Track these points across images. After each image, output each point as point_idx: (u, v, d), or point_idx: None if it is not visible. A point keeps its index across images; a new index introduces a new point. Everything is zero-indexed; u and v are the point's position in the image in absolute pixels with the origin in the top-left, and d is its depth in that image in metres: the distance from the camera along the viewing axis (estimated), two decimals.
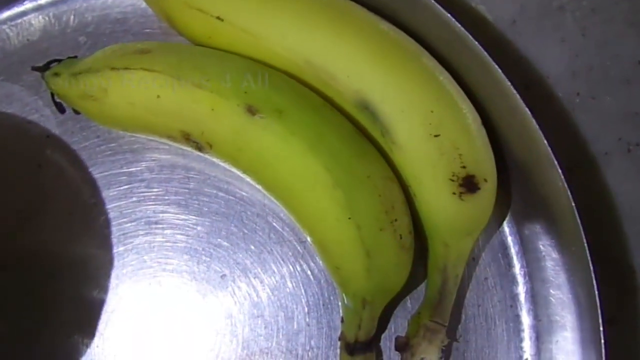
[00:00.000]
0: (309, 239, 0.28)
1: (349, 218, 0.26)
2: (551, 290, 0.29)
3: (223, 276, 0.30)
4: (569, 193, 0.27)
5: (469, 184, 0.27)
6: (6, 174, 0.31)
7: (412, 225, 0.27)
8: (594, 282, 0.26)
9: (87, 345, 0.29)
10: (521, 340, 0.29)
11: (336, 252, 0.27)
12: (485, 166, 0.27)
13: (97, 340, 0.30)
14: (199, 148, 0.28)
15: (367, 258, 0.26)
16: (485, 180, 0.27)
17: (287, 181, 0.26)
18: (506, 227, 0.30)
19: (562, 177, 0.27)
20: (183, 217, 0.31)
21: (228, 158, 0.28)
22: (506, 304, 0.30)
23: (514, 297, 0.30)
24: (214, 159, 0.29)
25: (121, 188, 0.31)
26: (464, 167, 0.26)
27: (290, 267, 0.30)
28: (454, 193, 0.27)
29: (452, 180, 0.27)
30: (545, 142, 0.27)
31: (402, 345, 0.27)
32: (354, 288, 0.27)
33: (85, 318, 0.30)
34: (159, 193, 0.31)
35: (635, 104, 0.32)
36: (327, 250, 0.27)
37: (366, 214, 0.26)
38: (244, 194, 0.31)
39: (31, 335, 0.29)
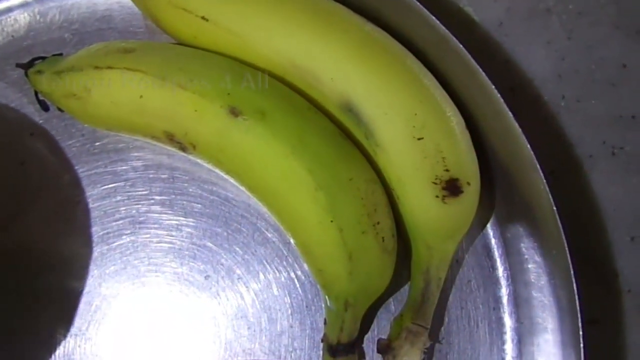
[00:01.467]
0: (292, 241, 0.28)
1: (331, 221, 0.26)
2: (533, 293, 0.29)
3: (207, 277, 0.30)
4: (551, 197, 0.27)
5: (452, 187, 0.27)
6: None
7: (395, 228, 0.27)
8: (574, 284, 0.27)
9: (69, 345, 0.29)
10: (503, 343, 0.29)
11: (319, 254, 0.27)
12: (468, 169, 0.27)
13: (79, 339, 0.29)
14: (183, 149, 0.28)
15: (350, 261, 0.26)
16: (469, 184, 0.27)
17: (269, 183, 0.26)
18: (489, 230, 0.30)
19: (545, 181, 0.27)
20: (167, 217, 0.30)
21: (211, 159, 0.28)
22: (489, 306, 0.30)
23: (497, 299, 0.30)
24: (199, 160, 0.29)
25: (105, 187, 0.31)
26: (447, 170, 0.26)
27: (274, 268, 0.30)
28: (437, 196, 0.27)
29: (435, 184, 0.27)
30: (529, 146, 0.27)
31: (384, 348, 0.27)
32: (336, 290, 0.27)
33: (67, 317, 0.30)
34: (144, 193, 0.31)
35: (621, 107, 0.32)
36: (309, 253, 0.27)
37: (348, 216, 0.26)
38: (228, 194, 0.31)
39: (13, 334, 0.29)
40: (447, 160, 0.26)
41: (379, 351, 0.28)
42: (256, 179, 0.27)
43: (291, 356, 0.29)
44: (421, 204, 0.27)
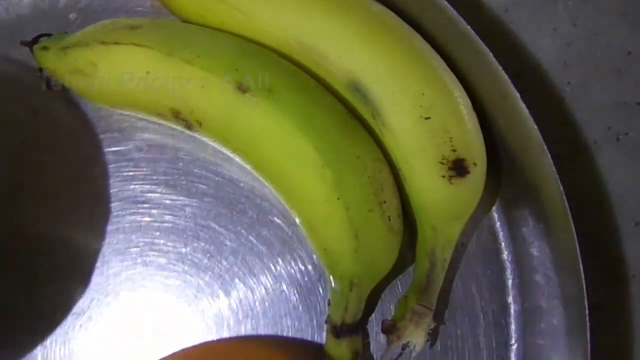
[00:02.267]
0: (297, 220, 0.28)
1: (338, 198, 0.25)
2: (538, 277, 0.29)
3: (210, 257, 0.30)
4: (559, 180, 0.27)
5: (458, 168, 0.27)
6: None
7: (401, 208, 0.27)
8: (581, 268, 0.27)
9: (71, 325, 0.29)
10: (507, 326, 0.29)
11: (324, 233, 0.26)
12: (475, 150, 0.27)
13: (80, 319, 0.29)
14: (188, 126, 0.28)
15: (355, 239, 0.26)
16: (475, 165, 0.27)
17: (276, 160, 0.26)
18: (495, 214, 0.30)
19: (552, 164, 0.27)
20: (171, 197, 0.30)
21: (217, 137, 0.27)
22: (493, 289, 0.30)
23: (501, 283, 0.30)
24: (204, 140, 0.29)
25: (109, 167, 0.30)
26: (454, 150, 0.26)
27: (278, 250, 0.30)
28: (443, 176, 0.27)
29: (442, 164, 0.26)
30: (537, 128, 0.27)
31: (389, 328, 0.27)
32: (341, 270, 0.27)
33: (68, 296, 0.29)
34: (147, 173, 0.30)
35: (625, 93, 0.32)
36: (315, 231, 0.27)
37: (355, 194, 0.26)
38: (233, 175, 0.30)
39: (13, 313, 0.29)
40: (454, 141, 0.26)
41: (383, 331, 0.27)
42: (263, 157, 0.27)
43: (294, 337, 0.29)
44: (427, 184, 0.27)
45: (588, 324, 0.27)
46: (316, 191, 0.26)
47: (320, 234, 0.27)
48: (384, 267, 0.27)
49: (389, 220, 0.26)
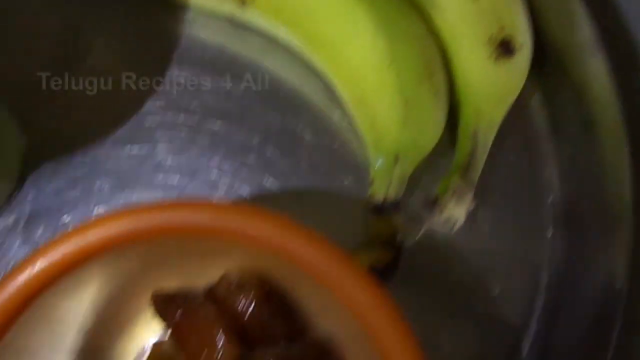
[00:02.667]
0: (345, 96, 0.28)
1: (389, 65, 0.26)
2: (577, 171, 0.29)
3: (252, 139, 0.30)
4: (610, 78, 0.27)
5: (505, 48, 0.27)
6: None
7: (447, 85, 0.28)
8: (628, 165, 0.27)
9: (116, 188, 0.30)
10: (545, 214, 0.30)
11: (374, 102, 0.27)
12: (522, 32, 0.28)
13: (126, 187, 0.30)
14: (242, 1, 0.28)
15: (405, 108, 0.26)
16: (522, 46, 0.27)
17: (329, 30, 0.27)
18: (536, 107, 0.30)
19: (605, 62, 0.27)
20: (216, 82, 0.31)
21: (270, 11, 0.28)
22: (533, 183, 0.30)
23: (541, 176, 0.30)
24: (250, 30, 0.30)
25: (155, 54, 0.31)
26: (502, 29, 0.27)
27: (320, 132, 0.30)
28: (490, 56, 0.27)
29: (489, 44, 0.27)
30: (590, 25, 0.27)
31: (432, 202, 0.27)
32: (387, 143, 0.27)
33: (116, 165, 0.30)
34: (194, 59, 0.31)
35: None
36: (364, 103, 0.27)
37: (406, 63, 0.26)
38: (278, 67, 0.31)
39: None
40: (503, 21, 0.27)
41: (426, 205, 0.28)
42: (315, 28, 0.27)
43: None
44: (474, 63, 0.27)
45: (633, 221, 0.27)
46: (368, 58, 0.26)
47: (369, 104, 0.27)
48: (428, 142, 0.28)
49: (437, 94, 0.27)
